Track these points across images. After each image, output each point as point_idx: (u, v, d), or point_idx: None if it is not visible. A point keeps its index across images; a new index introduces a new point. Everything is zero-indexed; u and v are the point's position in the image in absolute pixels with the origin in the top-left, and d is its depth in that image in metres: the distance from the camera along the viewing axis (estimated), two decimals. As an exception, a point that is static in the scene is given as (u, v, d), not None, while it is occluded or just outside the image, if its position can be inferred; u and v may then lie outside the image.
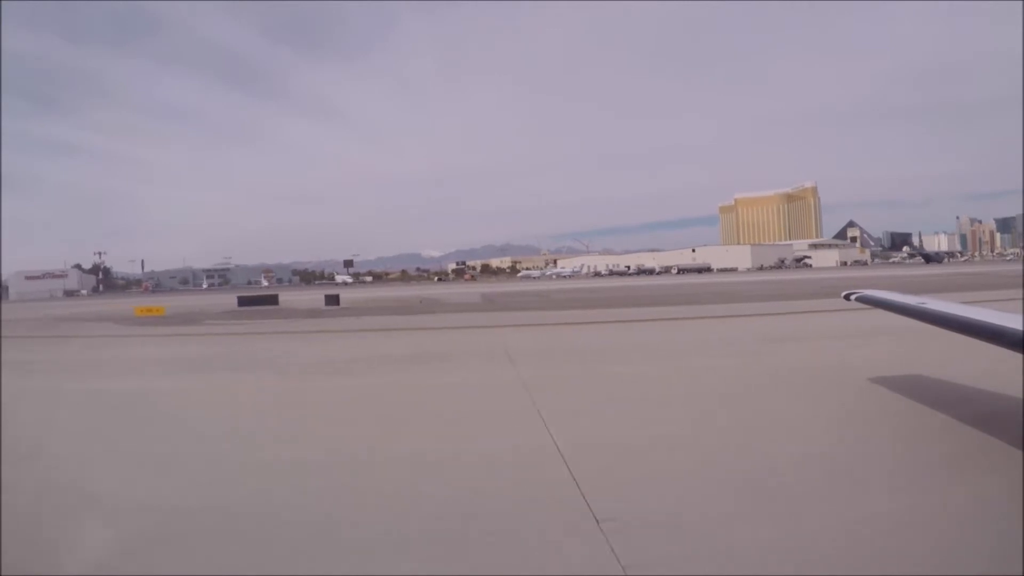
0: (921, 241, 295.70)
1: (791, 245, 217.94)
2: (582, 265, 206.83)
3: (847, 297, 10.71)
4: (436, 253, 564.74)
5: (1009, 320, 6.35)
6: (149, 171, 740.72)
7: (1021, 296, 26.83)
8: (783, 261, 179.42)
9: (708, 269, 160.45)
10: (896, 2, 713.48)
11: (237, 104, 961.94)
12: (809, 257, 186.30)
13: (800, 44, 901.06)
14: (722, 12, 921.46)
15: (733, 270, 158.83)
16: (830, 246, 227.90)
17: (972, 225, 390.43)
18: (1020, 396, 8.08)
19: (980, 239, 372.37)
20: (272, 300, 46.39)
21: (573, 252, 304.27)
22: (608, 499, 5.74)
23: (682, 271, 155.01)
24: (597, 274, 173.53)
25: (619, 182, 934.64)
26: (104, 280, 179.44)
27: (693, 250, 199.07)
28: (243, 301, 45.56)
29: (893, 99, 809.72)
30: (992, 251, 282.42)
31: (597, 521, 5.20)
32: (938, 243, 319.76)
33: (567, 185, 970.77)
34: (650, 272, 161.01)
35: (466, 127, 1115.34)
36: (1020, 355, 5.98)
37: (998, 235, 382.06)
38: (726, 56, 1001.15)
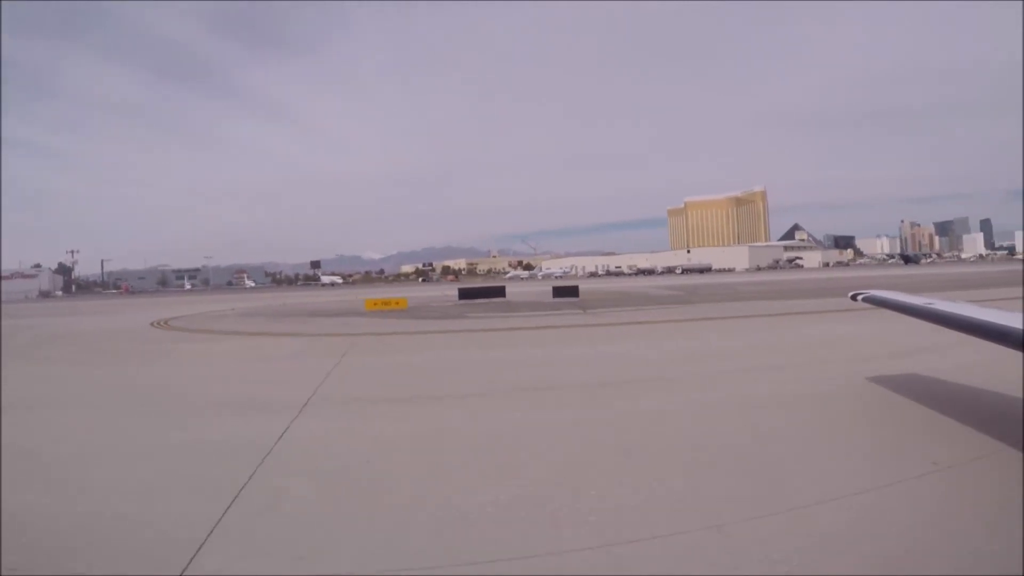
0: (903, 244, 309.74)
1: (781, 247, 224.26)
2: (572, 266, 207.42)
3: (854, 297, 10.74)
4: (377, 255, 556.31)
5: (1012, 319, 6.37)
6: (91, 167, 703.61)
7: (1022, 295, 27.20)
8: (778, 262, 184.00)
9: (709, 269, 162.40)
10: (845, 4, 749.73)
11: (176, 99, 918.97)
12: (801, 258, 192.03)
13: (750, 49, 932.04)
14: (672, 15, 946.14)
15: (731, 270, 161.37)
16: (811, 248, 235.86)
17: (912, 228, 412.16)
18: (1019, 395, 8.20)
19: (920, 242, 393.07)
20: (499, 292, 43.21)
21: (520, 255, 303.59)
22: None
23: (686, 271, 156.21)
24: (593, 274, 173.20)
25: (562, 184, 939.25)
26: (71, 281, 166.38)
27: (688, 250, 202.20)
28: (464, 293, 42.71)
29: (838, 105, 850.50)
30: (938, 254, 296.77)
31: None
32: (880, 246, 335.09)
33: (509, 187, 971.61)
34: (650, 272, 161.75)
35: (408, 129, 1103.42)
36: (1020, 354, 6.01)
37: (937, 238, 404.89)
38: (675, 60, 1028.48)
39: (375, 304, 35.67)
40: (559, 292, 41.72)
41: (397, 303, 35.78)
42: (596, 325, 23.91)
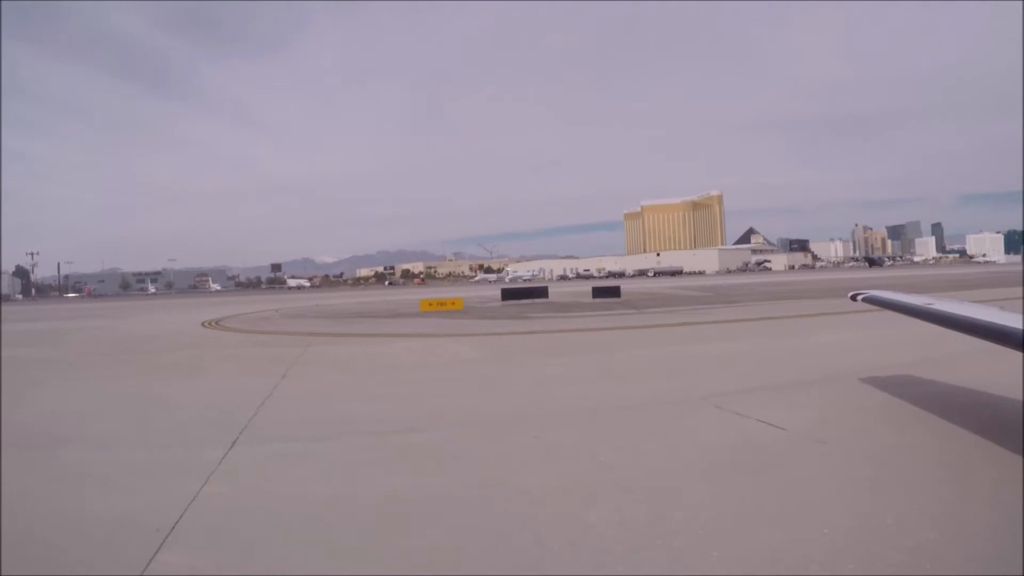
0: (856, 248, 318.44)
1: (748, 250, 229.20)
2: (540, 269, 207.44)
3: (854, 298, 10.73)
4: (330, 259, 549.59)
5: (1012, 319, 6.42)
6: (39, 166, 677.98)
7: (1022, 295, 27.72)
8: (747, 264, 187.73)
9: (680, 272, 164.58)
10: (797, 12, 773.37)
11: (129, 98, 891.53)
12: (769, 261, 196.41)
13: (704, 55, 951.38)
14: (636, 18, 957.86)
15: (702, 273, 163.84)
16: (776, 252, 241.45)
17: (865, 232, 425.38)
18: (1017, 396, 8.25)
19: (872, 245, 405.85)
20: (543, 293, 42.97)
21: (476, 258, 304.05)
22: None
23: (658, 273, 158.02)
24: (563, 277, 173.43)
25: (516, 187, 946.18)
26: (31, 284, 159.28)
27: (658, 254, 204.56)
28: (508, 294, 42.42)
29: (792, 111, 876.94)
30: (897, 257, 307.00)
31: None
32: (834, 249, 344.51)
33: (461, 190, 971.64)
34: (620, 275, 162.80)
35: (361, 131, 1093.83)
36: (1020, 355, 6.05)
37: (889, 242, 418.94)
38: (632, 63, 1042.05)
39: (431, 304, 35.07)
40: (599, 292, 41.91)
41: (453, 303, 35.33)
42: (688, 324, 23.35)
